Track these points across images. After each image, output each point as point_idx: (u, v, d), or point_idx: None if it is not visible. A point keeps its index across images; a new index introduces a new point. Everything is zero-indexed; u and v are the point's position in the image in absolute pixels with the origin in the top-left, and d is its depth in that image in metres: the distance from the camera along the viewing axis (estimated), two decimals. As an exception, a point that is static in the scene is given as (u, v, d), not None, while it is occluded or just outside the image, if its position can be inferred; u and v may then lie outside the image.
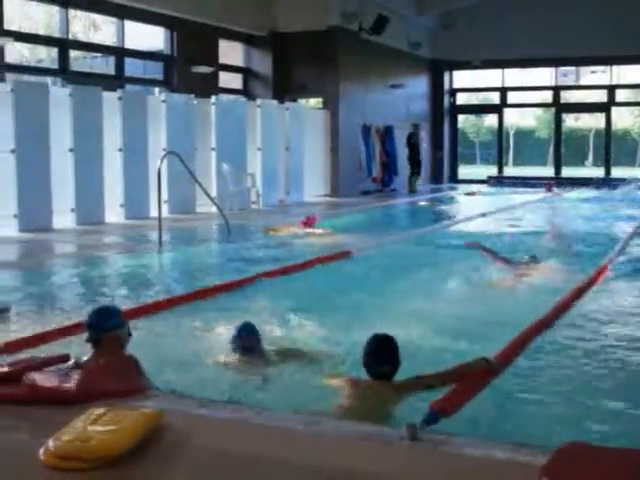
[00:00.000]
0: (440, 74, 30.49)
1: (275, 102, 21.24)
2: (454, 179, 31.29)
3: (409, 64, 28.07)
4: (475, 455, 3.73)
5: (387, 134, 25.99)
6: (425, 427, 4.01)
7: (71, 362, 5.00)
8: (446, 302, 8.36)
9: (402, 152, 26.64)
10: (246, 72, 23.83)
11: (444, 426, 4.13)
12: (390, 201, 22.68)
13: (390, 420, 4.59)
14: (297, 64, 23.04)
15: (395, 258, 11.71)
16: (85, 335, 5.16)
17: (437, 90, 30.53)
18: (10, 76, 15.71)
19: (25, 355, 5.42)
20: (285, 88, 23.19)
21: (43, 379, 4.56)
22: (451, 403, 4.49)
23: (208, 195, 14.50)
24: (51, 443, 3.58)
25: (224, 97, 20.42)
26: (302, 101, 23.95)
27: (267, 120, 20.10)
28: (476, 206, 20.72)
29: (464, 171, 33.12)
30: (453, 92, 31.54)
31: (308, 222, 14.20)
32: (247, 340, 5.85)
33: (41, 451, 3.58)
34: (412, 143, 26.94)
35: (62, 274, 10.43)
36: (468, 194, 25.27)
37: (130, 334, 5.20)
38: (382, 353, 5.06)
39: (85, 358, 4.99)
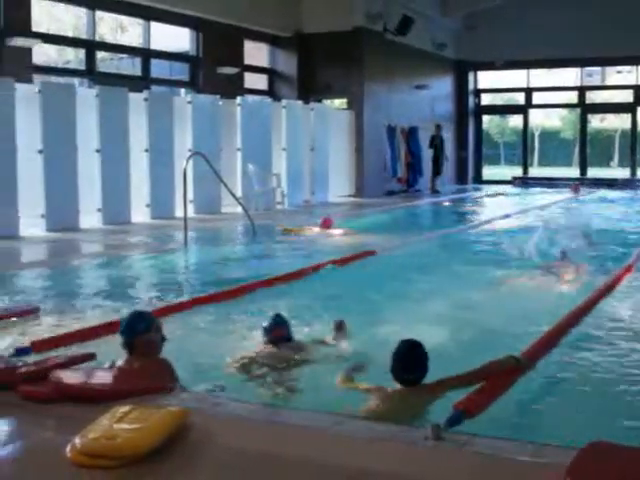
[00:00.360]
0: (465, 75, 30.39)
1: (300, 103, 21.26)
2: (478, 180, 31.17)
3: (434, 65, 28.02)
4: (499, 455, 3.72)
5: (412, 135, 25.94)
6: (449, 427, 4.01)
7: (106, 364, 5.05)
8: (471, 301, 8.33)
9: (427, 152, 26.57)
10: (271, 73, 23.87)
11: (468, 426, 4.13)
12: (414, 202, 22.63)
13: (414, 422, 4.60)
14: (322, 65, 23.05)
15: (419, 257, 11.70)
16: (110, 334, 5.21)
17: (462, 91, 30.44)
18: (38, 77, 15.82)
19: (52, 354, 5.47)
20: (310, 89, 23.21)
21: (69, 377, 4.61)
22: (475, 403, 4.47)
23: (233, 195, 14.54)
24: (77, 440, 3.61)
25: (249, 98, 20.46)
26: (327, 102, 23.95)
27: (292, 121, 20.13)
28: (501, 207, 20.65)
29: (488, 172, 32.98)
30: (478, 93, 31.43)
31: (325, 224, 14.12)
32: (278, 331, 5.96)
33: (67, 448, 3.61)
34: (435, 143, 26.89)
35: (89, 273, 10.51)
36: (490, 195, 25.11)
37: (164, 338, 5.24)
38: (409, 361, 4.95)
39: (119, 362, 5.05)
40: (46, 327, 6.81)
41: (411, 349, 5.03)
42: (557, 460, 3.54)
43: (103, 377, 4.75)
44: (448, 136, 28.37)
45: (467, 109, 30.73)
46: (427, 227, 18.06)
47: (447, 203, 22.49)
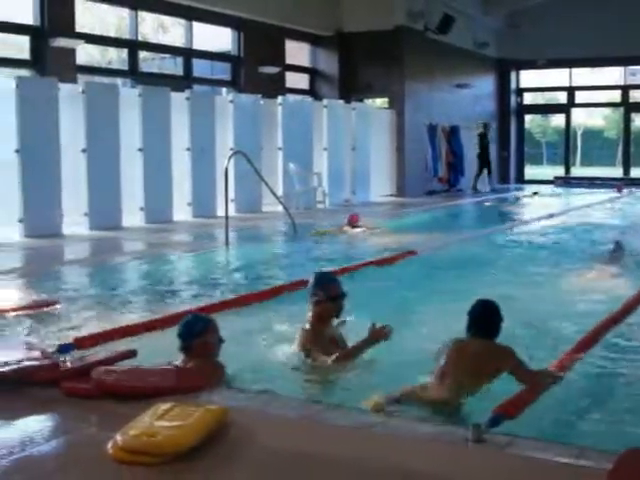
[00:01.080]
0: (506, 73, 30.21)
1: (341, 102, 21.26)
2: (520, 179, 30.96)
3: (475, 64, 27.89)
4: (540, 458, 3.68)
5: (453, 134, 25.84)
6: (489, 429, 3.98)
7: (164, 364, 5.09)
8: (517, 299, 8.26)
9: (468, 152, 26.46)
10: (312, 72, 23.89)
11: (508, 428, 4.09)
12: (455, 201, 22.53)
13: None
14: (363, 64, 23.03)
15: (460, 257, 11.64)
16: (151, 332, 5.23)
17: (503, 90, 30.26)
18: (81, 77, 15.96)
19: (94, 351, 5.52)
20: (351, 88, 23.20)
21: (111, 374, 4.64)
22: (515, 405, 4.45)
23: (274, 194, 14.57)
24: (118, 437, 3.64)
25: (291, 97, 20.50)
26: (368, 101, 23.94)
27: (333, 120, 20.14)
28: (544, 206, 20.48)
29: (530, 171, 32.72)
30: (520, 92, 31.23)
31: (352, 221, 14.03)
32: (331, 289, 5.93)
33: (109, 445, 3.64)
34: (483, 142, 26.83)
35: (131, 272, 10.59)
36: (530, 195, 24.88)
37: (222, 340, 5.25)
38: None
39: (177, 361, 5.08)
40: (89, 324, 6.87)
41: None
42: (597, 465, 3.51)
43: (144, 375, 4.78)
44: (491, 135, 28.23)
45: (509, 108, 30.53)
46: (468, 227, 17.96)
47: (488, 203, 22.36)
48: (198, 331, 5.14)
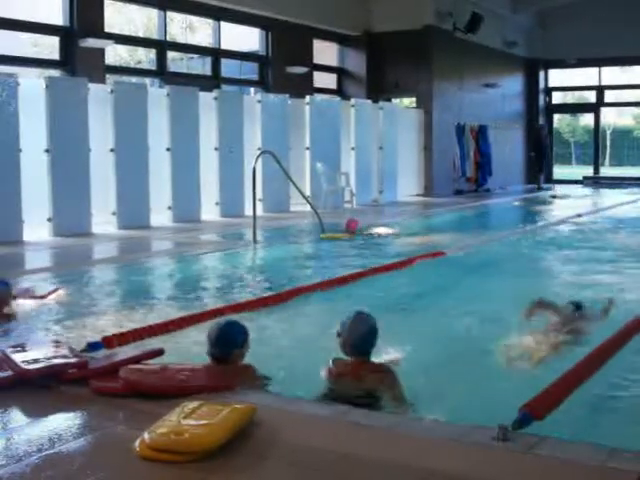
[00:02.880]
0: (535, 73, 30.04)
1: (369, 102, 21.24)
2: (549, 179, 30.80)
3: (504, 63, 27.76)
4: (568, 458, 3.65)
5: (481, 133, 25.75)
6: (516, 429, 3.95)
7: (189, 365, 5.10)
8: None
9: (496, 152, 26.38)
10: (340, 72, 23.89)
11: (536, 428, 4.05)
12: (483, 201, 22.43)
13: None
14: (391, 63, 23.01)
15: (489, 258, 11.61)
16: (180, 330, 5.22)
17: (532, 89, 30.09)
18: (110, 77, 16.06)
19: (122, 349, 5.56)
20: (379, 88, 23.18)
21: (138, 373, 4.67)
22: (543, 405, 4.41)
23: (302, 194, 14.58)
24: (146, 435, 3.66)
25: (318, 97, 20.52)
26: (396, 100, 23.92)
27: (361, 120, 20.13)
28: (572, 207, 20.35)
29: (559, 171, 32.54)
30: (548, 91, 31.06)
31: (350, 226, 13.59)
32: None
33: (136, 443, 3.66)
34: (538, 142, 26.89)
35: (159, 270, 10.63)
36: (555, 196, 24.68)
37: (249, 347, 5.16)
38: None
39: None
40: (117, 323, 6.91)
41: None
42: (628, 466, 3.49)
43: (172, 373, 4.80)
44: (515, 135, 28.16)
45: (538, 108, 30.37)
46: (497, 227, 17.87)
47: (517, 203, 22.26)
48: (240, 343, 5.04)
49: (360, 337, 4.97)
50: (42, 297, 7.94)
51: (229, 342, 5.02)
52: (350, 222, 13.66)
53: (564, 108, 35.50)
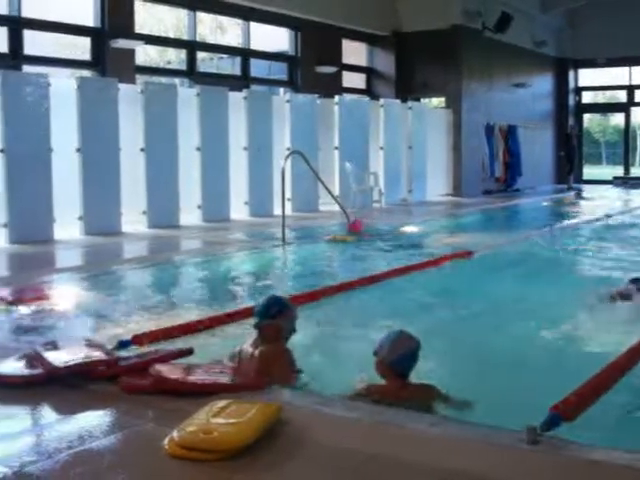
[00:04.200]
0: (565, 72, 29.84)
1: (398, 101, 21.23)
2: (579, 179, 30.58)
3: (533, 62, 27.62)
4: (599, 460, 3.62)
5: (511, 133, 25.66)
6: (545, 431, 3.91)
7: (237, 348, 5.15)
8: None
9: (526, 152, 26.27)
10: (369, 72, 23.88)
11: (564, 430, 4.01)
12: (512, 201, 22.34)
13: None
14: (420, 63, 22.96)
15: (519, 258, 11.56)
16: (209, 329, 5.25)
17: (562, 89, 29.91)
18: (140, 78, 16.15)
19: (151, 348, 5.59)
20: (408, 87, 23.15)
21: (168, 371, 4.70)
22: (572, 406, 4.35)
23: (331, 194, 14.59)
24: (175, 433, 3.68)
25: (347, 97, 20.52)
26: (425, 100, 23.88)
27: (390, 119, 20.12)
28: (602, 207, 20.22)
29: (589, 171, 32.31)
30: (578, 91, 30.85)
31: (354, 227, 13.44)
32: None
33: (165, 440, 3.69)
34: (569, 142, 26.82)
35: (190, 269, 10.68)
36: (581, 198, 24.47)
37: (294, 330, 5.25)
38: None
39: (246, 343, 5.13)
40: (147, 321, 6.95)
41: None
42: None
43: (201, 372, 4.83)
44: (545, 135, 28.03)
45: (567, 107, 30.18)
46: (525, 226, 17.76)
47: (545, 203, 22.14)
48: (272, 313, 5.16)
49: (401, 358, 4.79)
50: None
51: (263, 311, 5.18)
52: (354, 223, 13.50)
53: (594, 108, 35.22)
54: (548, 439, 3.84)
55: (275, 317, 5.15)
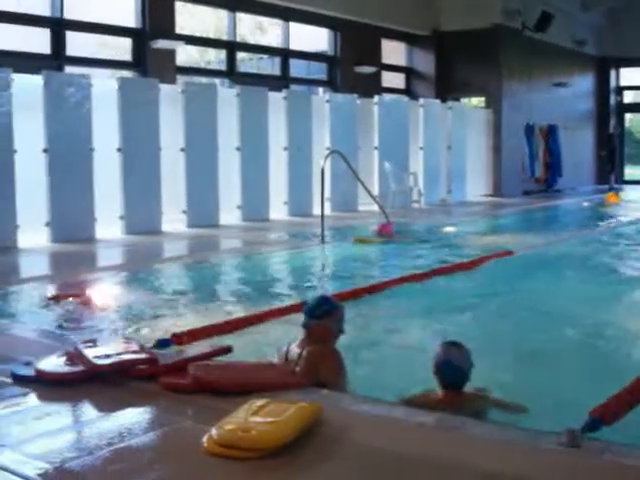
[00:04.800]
0: (606, 71, 29.55)
1: (437, 101, 21.17)
2: (620, 180, 30.28)
3: (574, 62, 27.39)
4: (637, 465, 3.58)
5: (551, 133, 25.48)
6: (585, 434, 3.85)
7: (284, 347, 5.15)
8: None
9: (566, 152, 26.07)
10: (409, 71, 23.83)
11: (605, 433, 3.95)
12: (552, 202, 22.19)
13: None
14: (459, 63, 22.88)
15: (559, 258, 11.48)
16: (247, 327, 5.25)
17: (603, 88, 29.62)
18: (180, 78, 16.24)
19: (191, 346, 5.62)
20: (447, 87, 23.07)
21: (207, 370, 4.72)
22: (613, 410, 4.28)
23: (370, 193, 14.57)
24: (214, 431, 3.69)
25: (387, 97, 20.49)
26: (464, 100, 23.78)
27: (429, 119, 20.07)
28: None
29: (630, 172, 31.95)
30: (620, 90, 30.53)
31: (384, 230, 13.28)
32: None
33: (204, 438, 3.71)
34: (611, 142, 26.66)
35: (229, 268, 10.74)
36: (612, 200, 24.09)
37: (342, 331, 5.22)
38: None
39: (295, 342, 5.14)
40: (187, 320, 6.99)
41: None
42: None
43: (240, 370, 4.85)
44: (586, 135, 27.81)
45: (609, 107, 29.89)
46: (567, 227, 17.63)
47: (586, 203, 21.95)
48: (320, 313, 5.13)
49: (451, 372, 4.74)
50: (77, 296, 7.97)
51: (311, 311, 5.16)
52: (383, 226, 13.38)
53: (636, 107, 34.85)
54: (588, 442, 3.78)
55: (324, 317, 5.12)
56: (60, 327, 6.77)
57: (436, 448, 3.79)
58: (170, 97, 14.30)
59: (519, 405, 4.72)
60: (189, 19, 17.85)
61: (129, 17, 15.75)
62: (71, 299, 7.81)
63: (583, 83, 28.53)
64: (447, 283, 9.07)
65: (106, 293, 8.32)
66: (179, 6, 16.60)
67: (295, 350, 5.07)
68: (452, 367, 4.75)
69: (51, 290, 8.29)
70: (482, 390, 4.87)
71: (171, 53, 16.12)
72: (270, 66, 20.74)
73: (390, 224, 13.35)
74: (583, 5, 26.40)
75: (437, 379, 4.79)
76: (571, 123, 26.71)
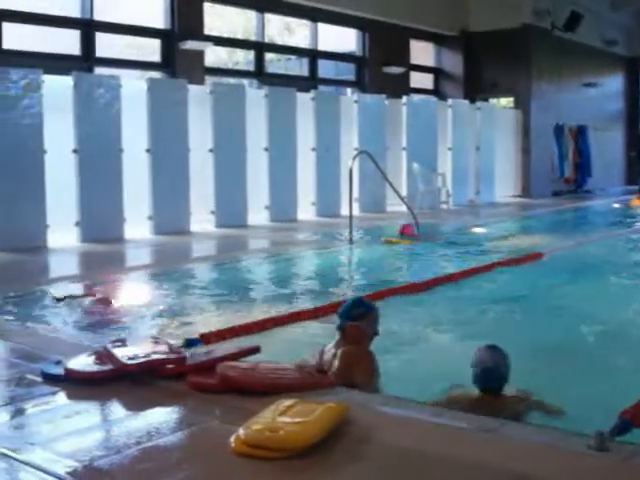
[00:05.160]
0: (636, 72, 29.31)
1: (466, 102, 21.11)
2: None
3: (603, 62, 27.21)
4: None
5: (580, 134, 25.33)
6: (614, 437, 3.81)
7: (319, 348, 5.17)
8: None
9: (596, 152, 25.91)
10: (437, 72, 23.78)
11: (636, 436, 3.92)
12: (583, 203, 22.06)
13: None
14: (488, 63, 22.81)
15: (590, 260, 11.40)
16: (275, 328, 5.26)
17: (633, 88, 29.39)
18: (209, 79, 16.29)
19: (219, 346, 5.64)
20: (476, 88, 23.01)
21: (235, 370, 4.73)
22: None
23: (398, 194, 14.55)
24: (241, 431, 3.70)
25: (415, 97, 20.46)
26: (493, 100, 23.70)
27: (458, 120, 20.02)
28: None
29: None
30: (650, 90, 30.33)
31: (405, 230, 13.27)
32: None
33: (231, 438, 3.72)
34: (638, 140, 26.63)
35: (256, 268, 10.75)
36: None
37: (377, 333, 5.23)
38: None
39: (331, 343, 5.16)
40: (215, 320, 7.01)
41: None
42: None
43: (268, 371, 4.85)
44: (616, 135, 27.63)
45: (638, 107, 29.63)
46: (597, 228, 17.50)
47: (617, 205, 21.79)
48: (355, 315, 5.15)
49: (487, 375, 4.73)
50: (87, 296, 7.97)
51: (346, 312, 5.19)
52: (405, 227, 13.35)
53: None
54: (617, 445, 3.74)
55: (358, 319, 5.14)
56: (89, 326, 6.80)
57: (463, 449, 3.77)
58: (198, 98, 14.35)
59: (557, 408, 4.69)
60: (217, 20, 17.90)
61: (158, 18, 15.83)
62: (100, 298, 7.87)
63: (613, 83, 28.35)
64: (477, 284, 9.04)
65: (135, 293, 8.35)
66: (207, 7, 16.66)
67: (330, 351, 5.08)
68: (490, 371, 4.73)
69: (82, 289, 8.32)
70: (523, 392, 4.85)
71: (200, 54, 16.18)
72: (298, 67, 20.76)
73: (411, 225, 13.32)
74: (612, 5, 26.22)
75: (475, 383, 4.78)
76: (601, 123, 26.54)
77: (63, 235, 12.30)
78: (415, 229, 13.14)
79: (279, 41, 19.75)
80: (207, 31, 16.57)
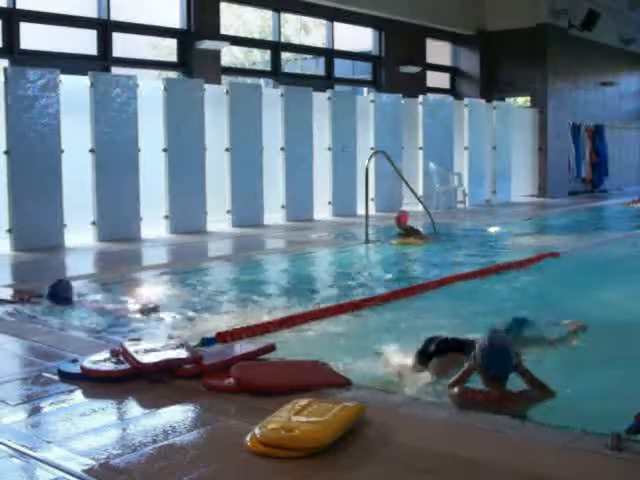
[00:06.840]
0: (655, 70, 29.26)
1: (483, 101, 21.06)
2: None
3: (621, 60, 27.09)
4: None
5: (597, 133, 25.24)
6: (631, 437, 3.79)
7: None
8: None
9: (613, 152, 25.81)
10: (453, 71, 23.74)
11: None
12: (600, 202, 21.97)
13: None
14: (505, 62, 22.77)
15: (607, 260, 11.35)
16: (291, 328, 5.21)
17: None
18: (225, 78, 16.32)
19: (235, 345, 5.65)
20: (492, 87, 22.97)
21: (250, 370, 4.74)
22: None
23: (415, 194, 14.55)
24: (257, 430, 3.71)
25: (431, 96, 20.43)
26: (510, 100, 23.65)
27: (474, 119, 19.97)
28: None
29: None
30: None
31: (401, 219, 13.23)
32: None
33: (247, 437, 3.73)
34: None
35: (274, 267, 10.77)
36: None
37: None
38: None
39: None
40: (231, 319, 7.02)
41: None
42: None
43: (284, 370, 4.85)
44: (633, 135, 27.49)
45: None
46: (614, 228, 17.41)
47: (636, 205, 21.66)
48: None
49: (492, 358, 4.59)
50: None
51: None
52: (400, 217, 13.29)
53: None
54: (633, 445, 3.72)
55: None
56: (106, 325, 6.82)
57: (481, 449, 3.76)
58: (215, 97, 14.38)
59: (549, 390, 4.67)
60: (234, 20, 17.93)
61: (175, 18, 15.87)
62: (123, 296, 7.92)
63: (631, 82, 28.23)
64: (491, 284, 9.02)
65: (151, 292, 8.37)
66: (224, 7, 16.69)
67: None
68: (495, 351, 4.59)
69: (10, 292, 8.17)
70: (523, 391, 4.81)
71: (216, 54, 16.21)
72: (314, 66, 20.79)
73: (406, 213, 13.37)
74: (630, 3, 26.11)
75: (481, 370, 4.65)
76: (618, 123, 26.46)
77: (80, 234, 12.36)
78: (423, 231, 13.17)
79: (295, 41, 19.80)
80: (224, 31, 16.60)
